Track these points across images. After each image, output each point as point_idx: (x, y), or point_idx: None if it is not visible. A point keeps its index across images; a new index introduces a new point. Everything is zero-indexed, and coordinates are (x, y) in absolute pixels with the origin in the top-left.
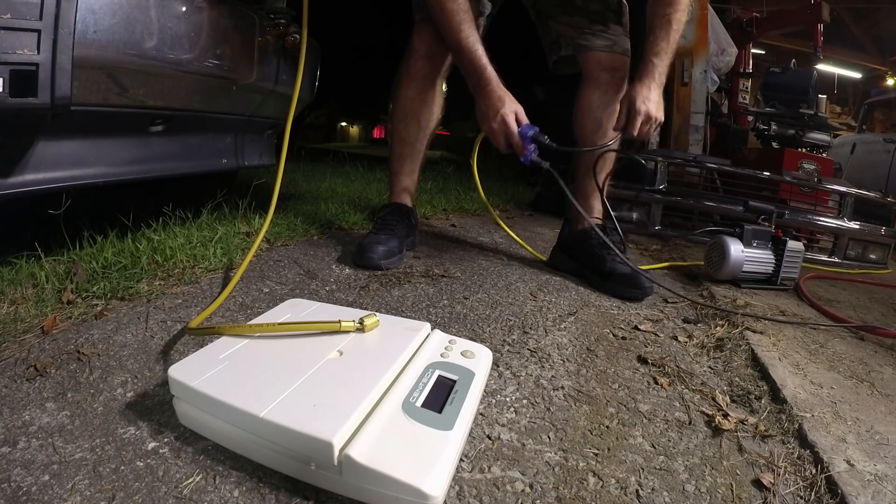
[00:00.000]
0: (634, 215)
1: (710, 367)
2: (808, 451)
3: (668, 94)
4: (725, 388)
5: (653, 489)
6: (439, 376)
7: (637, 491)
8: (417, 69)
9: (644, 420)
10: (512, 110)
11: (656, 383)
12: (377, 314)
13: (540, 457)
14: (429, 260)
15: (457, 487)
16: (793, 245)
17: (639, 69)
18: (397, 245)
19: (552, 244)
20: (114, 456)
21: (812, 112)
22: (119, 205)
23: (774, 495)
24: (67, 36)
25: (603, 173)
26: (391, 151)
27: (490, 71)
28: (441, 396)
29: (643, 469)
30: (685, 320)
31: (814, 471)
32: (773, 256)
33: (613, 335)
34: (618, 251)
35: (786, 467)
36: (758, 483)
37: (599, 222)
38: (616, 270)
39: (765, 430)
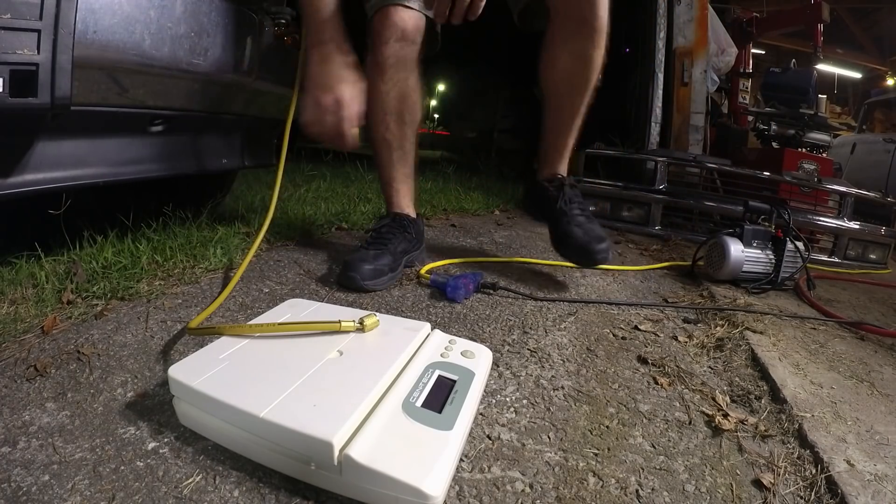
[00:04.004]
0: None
1: (710, 367)
2: (808, 451)
3: (668, 94)
4: (725, 388)
5: (653, 489)
6: (439, 376)
7: (637, 491)
8: (387, 56)
9: (644, 420)
10: (351, 94)
11: (656, 383)
12: (377, 314)
13: (540, 457)
14: (428, 260)
15: (457, 487)
16: (792, 245)
17: None
18: (389, 262)
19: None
20: (114, 456)
21: (812, 112)
22: (119, 205)
23: (774, 495)
24: (67, 36)
25: (571, 136)
26: (377, 159)
27: (333, 24)
28: (441, 396)
29: (643, 469)
30: (685, 320)
31: (814, 471)
32: (773, 256)
33: (613, 335)
34: (578, 209)
35: (786, 467)
36: (758, 483)
37: (562, 176)
38: (571, 235)
39: (765, 430)
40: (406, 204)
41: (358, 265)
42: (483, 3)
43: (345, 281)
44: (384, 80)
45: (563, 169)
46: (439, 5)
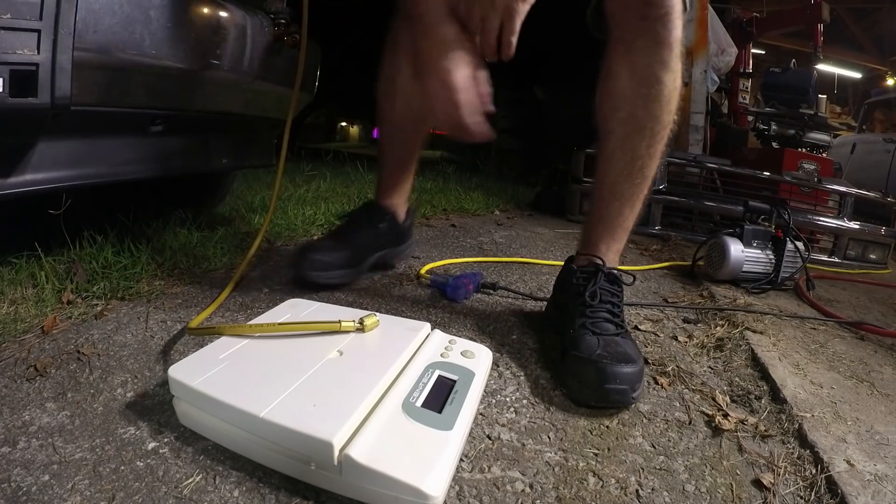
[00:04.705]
0: None
1: (710, 367)
2: (808, 451)
3: None
4: (725, 388)
5: (653, 489)
6: (439, 376)
7: (637, 491)
8: (405, 34)
9: (644, 420)
10: (462, 73)
11: (656, 383)
12: (377, 314)
13: (540, 457)
14: (428, 260)
15: (457, 487)
16: (792, 245)
17: None
18: (347, 257)
19: (552, 244)
20: (114, 456)
21: (812, 112)
22: (119, 205)
23: (774, 495)
24: (67, 36)
25: (629, 205)
26: (379, 140)
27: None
28: (441, 396)
29: (643, 469)
30: (685, 320)
31: (814, 471)
32: (773, 256)
33: None
34: (612, 310)
35: (786, 467)
36: (758, 483)
37: (601, 261)
38: (579, 343)
39: (765, 430)
40: (391, 195)
41: (306, 255)
42: (514, 44)
43: (293, 271)
44: (398, 55)
45: (609, 254)
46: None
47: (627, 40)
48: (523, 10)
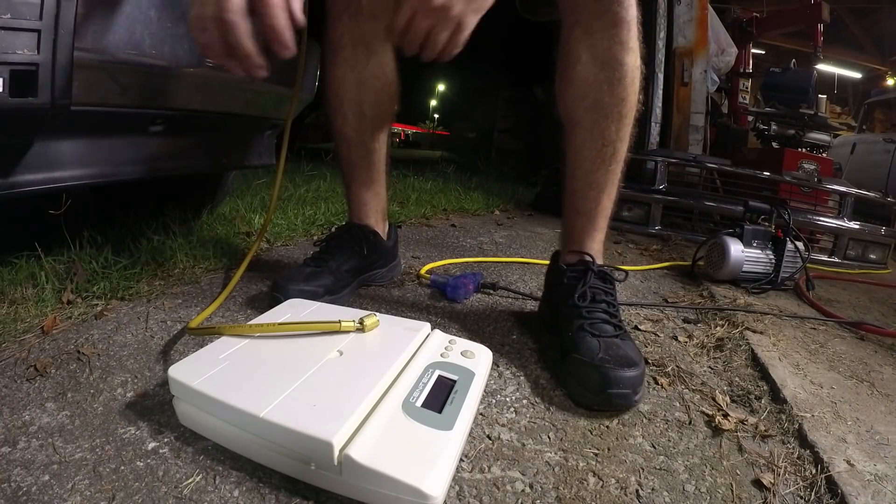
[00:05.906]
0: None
1: (710, 367)
2: (808, 451)
3: (668, 94)
4: (725, 388)
5: (653, 489)
6: (439, 376)
7: (637, 491)
8: (340, 34)
9: (644, 420)
10: None
11: (656, 383)
12: (377, 314)
13: (540, 457)
14: (428, 260)
15: (457, 487)
16: (792, 245)
17: None
18: (329, 283)
19: (552, 244)
20: (114, 456)
21: (812, 112)
22: (119, 205)
23: (774, 495)
24: (67, 36)
25: (606, 192)
26: (338, 157)
27: None
28: (441, 396)
29: (643, 469)
30: (685, 320)
31: (814, 471)
32: (773, 256)
33: None
34: (608, 310)
35: (786, 467)
36: (758, 483)
37: (590, 259)
38: (579, 346)
39: (765, 430)
40: (366, 213)
41: (284, 284)
42: (458, 49)
43: (270, 301)
44: (337, 63)
45: (593, 246)
46: (407, 40)
47: (584, 23)
48: (473, 23)
